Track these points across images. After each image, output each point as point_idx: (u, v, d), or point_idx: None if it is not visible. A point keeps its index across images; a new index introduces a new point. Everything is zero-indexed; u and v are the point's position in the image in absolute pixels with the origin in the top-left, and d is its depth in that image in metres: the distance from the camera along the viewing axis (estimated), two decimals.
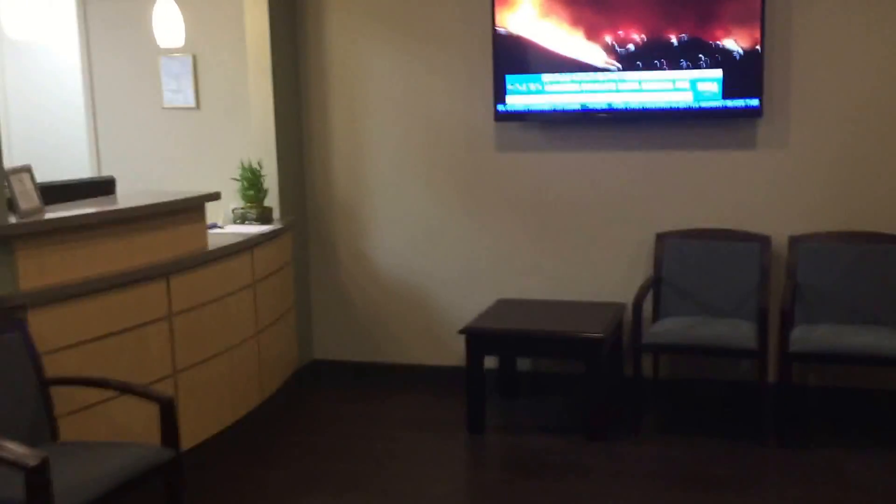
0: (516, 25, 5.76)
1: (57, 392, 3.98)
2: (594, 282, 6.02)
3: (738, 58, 5.43)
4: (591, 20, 5.62)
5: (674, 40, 5.51)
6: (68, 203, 4.74)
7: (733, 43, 5.42)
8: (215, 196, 5.27)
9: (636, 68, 5.60)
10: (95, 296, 4.26)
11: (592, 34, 5.63)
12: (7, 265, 3.93)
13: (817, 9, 5.44)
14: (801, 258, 5.52)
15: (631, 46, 5.59)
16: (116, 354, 4.38)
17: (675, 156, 5.80)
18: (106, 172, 6.78)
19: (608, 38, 5.61)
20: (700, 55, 5.48)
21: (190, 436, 4.88)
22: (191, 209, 5.08)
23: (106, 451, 3.73)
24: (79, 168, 6.99)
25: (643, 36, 5.56)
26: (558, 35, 5.68)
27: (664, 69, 5.56)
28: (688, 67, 5.52)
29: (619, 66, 5.62)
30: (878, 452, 4.97)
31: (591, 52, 5.65)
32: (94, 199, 5.05)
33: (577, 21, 5.65)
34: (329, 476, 4.89)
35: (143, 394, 3.99)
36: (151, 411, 3.93)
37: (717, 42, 5.44)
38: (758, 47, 5.39)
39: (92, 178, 5.89)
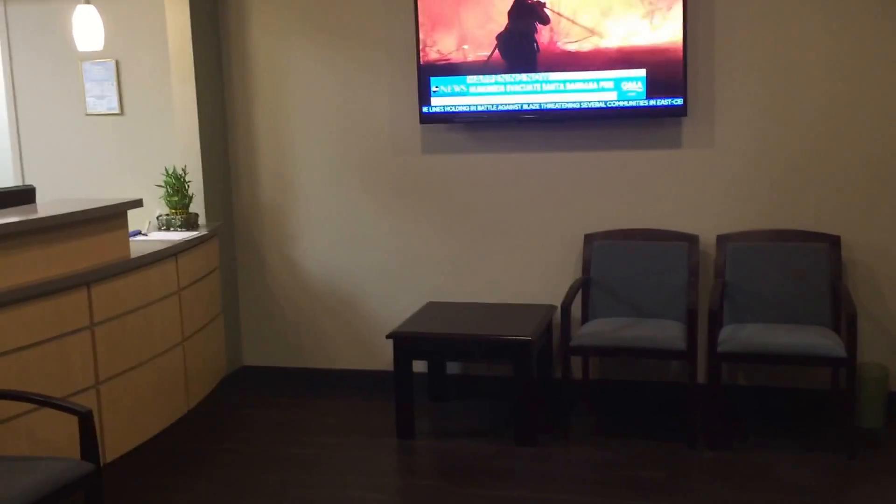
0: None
1: None
2: (523, 284, 6.02)
3: (661, 56, 5.46)
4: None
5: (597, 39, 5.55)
6: None
7: (657, 41, 5.45)
8: (137, 203, 5.20)
9: (560, 68, 5.62)
10: (13, 306, 4.19)
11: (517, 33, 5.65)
12: None
13: (740, 7, 5.48)
14: (729, 257, 5.54)
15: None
16: (36, 366, 4.30)
17: (602, 156, 5.81)
18: (30, 181, 6.70)
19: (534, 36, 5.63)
20: (624, 54, 5.50)
21: (115, 447, 4.85)
22: (112, 217, 5.01)
23: (22, 466, 3.64)
24: (1, 177, 6.89)
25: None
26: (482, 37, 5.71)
27: (588, 69, 5.58)
28: (611, 67, 5.54)
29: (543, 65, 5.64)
30: (808, 453, 5.00)
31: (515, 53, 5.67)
32: (13, 208, 4.96)
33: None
34: (258, 485, 4.85)
35: (61, 407, 3.90)
36: (74, 424, 3.85)
37: (641, 41, 5.47)
38: (681, 45, 5.42)
39: (10, 187, 5.79)
